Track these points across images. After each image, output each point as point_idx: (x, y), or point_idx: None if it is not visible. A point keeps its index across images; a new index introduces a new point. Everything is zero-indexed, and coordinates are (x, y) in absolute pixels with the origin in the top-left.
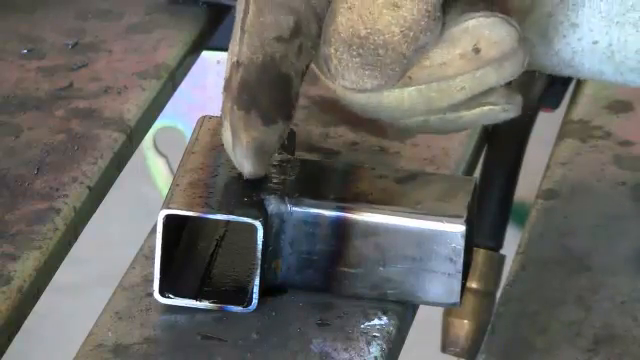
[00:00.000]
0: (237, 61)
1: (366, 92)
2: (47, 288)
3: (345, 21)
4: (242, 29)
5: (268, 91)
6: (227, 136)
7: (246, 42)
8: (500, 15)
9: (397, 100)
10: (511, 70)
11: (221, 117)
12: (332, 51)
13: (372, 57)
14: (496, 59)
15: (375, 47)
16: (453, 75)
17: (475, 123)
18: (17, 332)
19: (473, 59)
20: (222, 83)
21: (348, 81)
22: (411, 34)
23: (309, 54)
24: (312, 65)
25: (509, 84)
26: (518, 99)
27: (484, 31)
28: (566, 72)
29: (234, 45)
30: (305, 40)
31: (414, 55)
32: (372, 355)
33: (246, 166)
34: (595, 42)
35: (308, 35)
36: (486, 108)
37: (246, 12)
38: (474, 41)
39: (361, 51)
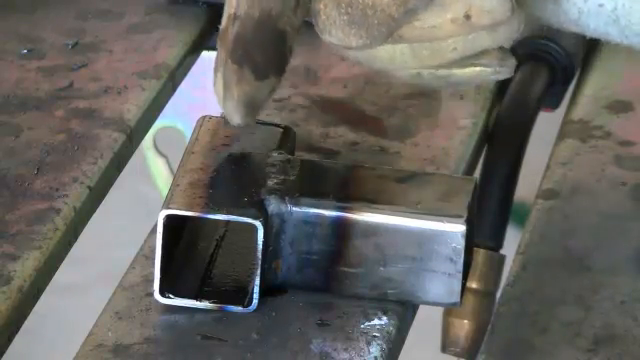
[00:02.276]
0: (234, 13)
1: (352, 49)
2: (47, 288)
3: None
4: None
5: (263, 47)
6: (219, 88)
7: None
8: None
9: (389, 54)
10: (505, 35)
11: (214, 69)
12: (321, 7)
13: (360, 16)
14: (488, 25)
15: (364, 7)
16: (444, 37)
17: (467, 82)
18: (17, 332)
19: (464, 24)
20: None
21: (335, 38)
22: None
23: (306, 8)
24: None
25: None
26: (511, 62)
27: (475, 0)
28: (572, 29)
29: None
30: None
31: (403, 17)
32: (372, 355)
33: (235, 118)
34: (601, 5)
35: None
36: (478, 69)
37: None
38: (465, 8)
39: (349, 10)
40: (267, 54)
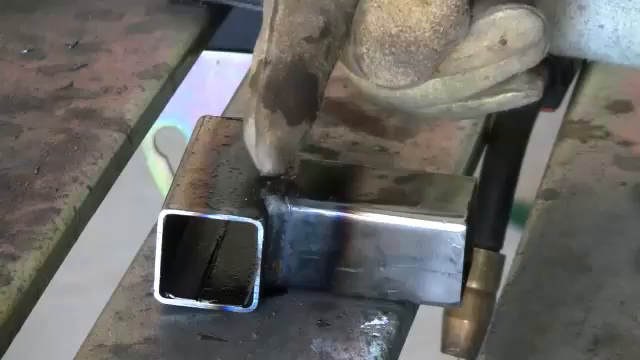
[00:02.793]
0: (265, 59)
1: (399, 89)
2: (47, 288)
3: (375, 19)
4: (271, 27)
5: (295, 91)
6: (250, 133)
7: (275, 41)
8: (526, 6)
9: (422, 91)
10: (533, 58)
11: (244, 114)
12: (364, 50)
13: (404, 54)
14: (522, 49)
15: (407, 44)
16: (479, 66)
17: (497, 109)
18: (17, 332)
19: (500, 50)
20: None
21: (382, 79)
22: (441, 29)
23: (336, 54)
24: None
25: (530, 69)
26: (539, 84)
27: (511, 23)
28: (572, 54)
29: (262, 42)
30: (333, 40)
31: (445, 50)
32: (372, 355)
33: (267, 165)
34: (601, 26)
35: (336, 35)
36: (509, 95)
37: (276, 10)
38: (501, 33)
39: (393, 49)
40: (299, 98)
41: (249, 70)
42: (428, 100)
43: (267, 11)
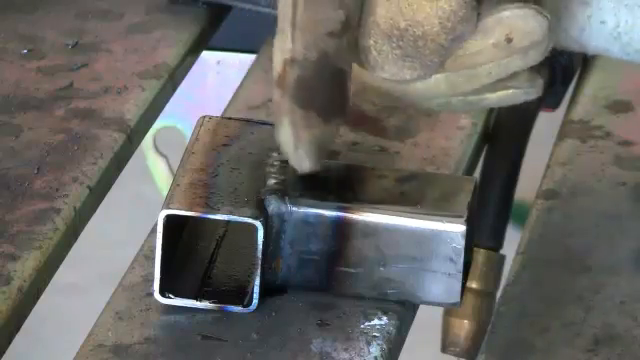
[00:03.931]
0: (291, 58)
1: (405, 82)
2: (47, 288)
3: (384, 13)
4: (293, 25)
5: (326, 88)
6: (286, 135)
7: (299, 39)
8: (533, 6)
9: (424, 85)
10: (536, 56)
11: (275, 116)
12: (372, 43)
13: (412, 49)
14: (527, 47)
15: (415, 39)
16: (485, 62)
17: (496, 104)
18: (17, 332)
19: (504, 48)
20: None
21: (388, 73)
22: (449, 25)
23: (354, 46)
24: None
25: (532, 68)
26: (539, 82)
27: (517, 22)
28: (573, 48)
29: (284, 41)
30: (354, 33)
31: (451, 45)
32: (372, 355)
33: (306, 164)
34: (603, 22)
35: (356, 28)
36: (510, 91)
37: (295, 7)
38: (507, 31)
39: (401, 43)
40: (331, 94)
41: (273, 70)
42: (430, 93)
43: (284, 9)
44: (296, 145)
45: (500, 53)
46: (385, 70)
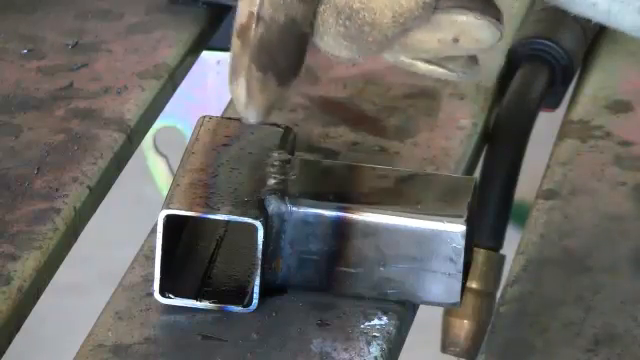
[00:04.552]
0: (257, 13)
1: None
2: (47, 288)
3: None
4: None
5: (287, 53)
6: (240, 93)
7: None
8: (489, 18)
9: None
10: (477, 53)
11: (231, 67)
12: (320, 10)
13: (356, 31)
14: (469, 50)
15: (362, 24)
16: (426, 50)
17: (426, 75)
18: (17, 332)
19: (449, 45)
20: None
21: (324, 44)
22: (401, 21)
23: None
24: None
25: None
26: (477, 68)
27: (471, 29)
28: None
29: None
30: None
31: (395, 36)
32: (372, 355)
33: (253, 120)
34: None
35: None
36: (441, 70)
37: None
38: (457, 33)
39: (347, 23)
40: (290, 59)
41: (236, 18)
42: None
43: None
44: (248, 103)
45: (442, 48)
46: (323, 41)
